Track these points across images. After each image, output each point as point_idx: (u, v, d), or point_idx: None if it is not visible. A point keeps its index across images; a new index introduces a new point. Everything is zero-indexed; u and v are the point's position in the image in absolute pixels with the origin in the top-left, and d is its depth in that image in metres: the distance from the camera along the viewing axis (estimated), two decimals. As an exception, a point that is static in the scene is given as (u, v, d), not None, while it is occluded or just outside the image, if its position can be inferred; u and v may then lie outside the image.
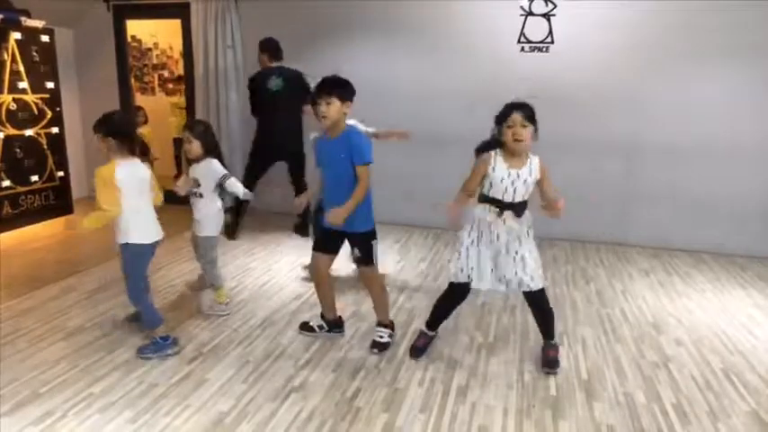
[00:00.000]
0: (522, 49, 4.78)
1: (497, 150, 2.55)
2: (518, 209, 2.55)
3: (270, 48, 4.77)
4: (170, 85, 7.37)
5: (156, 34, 7.18)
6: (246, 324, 3.15)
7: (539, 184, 2.57)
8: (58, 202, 5.24)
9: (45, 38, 4.94)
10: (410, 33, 5.04)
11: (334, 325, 3.02)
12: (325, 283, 2.95)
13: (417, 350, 2.84)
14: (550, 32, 4.69)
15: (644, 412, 2.39)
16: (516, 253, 2.57)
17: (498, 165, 2.52)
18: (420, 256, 4.46)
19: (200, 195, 3.20)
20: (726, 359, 2.88)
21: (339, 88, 2.63)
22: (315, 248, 2.89)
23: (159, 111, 7.03)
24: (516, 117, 2.45)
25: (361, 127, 3.33)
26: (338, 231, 2.74)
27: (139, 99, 6.79)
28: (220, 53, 5.46)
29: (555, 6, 4.64)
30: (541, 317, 2.76)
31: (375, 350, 2.83)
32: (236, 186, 3.25)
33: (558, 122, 4.77)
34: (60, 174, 5.24)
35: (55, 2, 5.31)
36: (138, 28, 6.63)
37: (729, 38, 4.39)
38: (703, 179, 4.64)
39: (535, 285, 2.61)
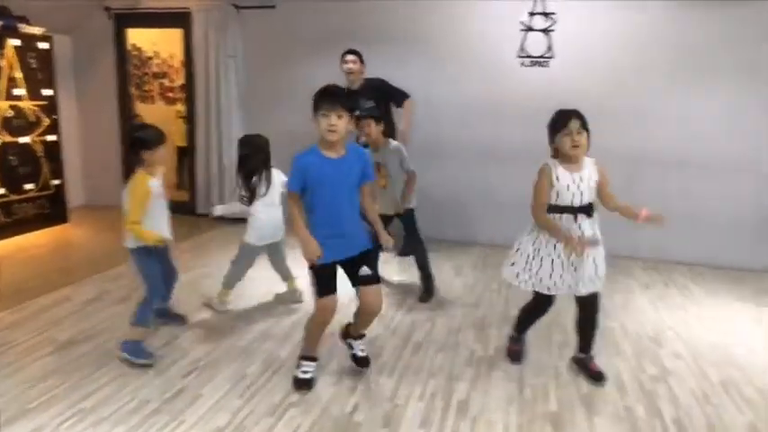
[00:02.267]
0: (522, 63, 4.80)
1: (552, 161, 2.57)
2: (589, 210, 2.56)
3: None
4: (170, 94, 7.36)
5: (157, 43, 7.17)
6: (244, 338, 3.12)
7: (599, 188, 2.57)
8: (52, 210, 5.21)
9: (43, 45, 4.94)
10: (411, 46, 5.06)
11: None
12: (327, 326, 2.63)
13: (517, 354, 2.89)
14: (550, 47, 4.71)
15: (644, 427, 2.37)
16: (594, 257, 2.57)
17: (561, 173, 2.53)
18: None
19: (273, 203, 3.40)
20: (724, 372, 2.87)
21: (347, 101, 2.43)
22: (324, 293, 2.48)
23: (160, 120, 6.99)
24: (574, 124, 2.47)
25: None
26: (336, 262, 2.50)
27: (139, 108, 6.76)
28: (222, 62, 5.46)
29: (554, 22, 4.67)
30: (589, 324, 2.74)
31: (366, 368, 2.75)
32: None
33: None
34: (56, 182, 5.22)
35: (54, 9, 5.31)
36: (138, 36, 6.61)
37: (727, 55, 4.43)
38: (699, 193, 4.65)
39: (600, 285, 2.63)
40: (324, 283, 2.49)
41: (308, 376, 2.61)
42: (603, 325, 3.37)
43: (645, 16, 4.51)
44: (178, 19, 5.63)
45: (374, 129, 3.61)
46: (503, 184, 4.95)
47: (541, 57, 4.77)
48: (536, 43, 4.75)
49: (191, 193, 6.04)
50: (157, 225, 2.79)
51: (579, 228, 2.53)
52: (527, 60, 4.81)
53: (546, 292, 2.65)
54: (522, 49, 4.78)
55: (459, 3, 4.89)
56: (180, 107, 7.17)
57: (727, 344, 3.21)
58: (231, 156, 5.62)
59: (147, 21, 5.89)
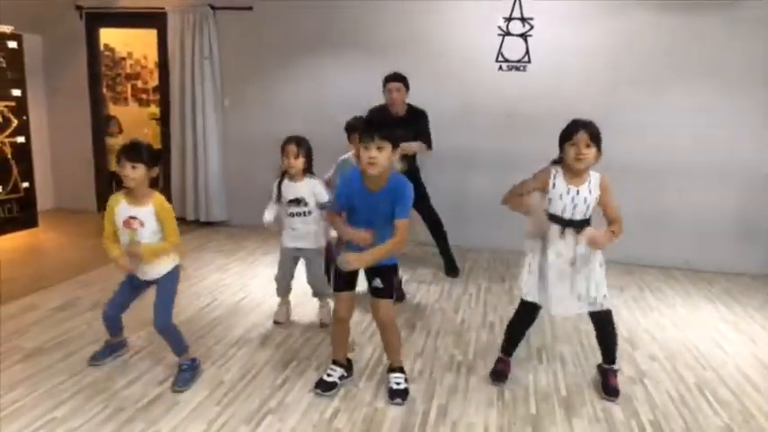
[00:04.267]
0: (500, 68, 4.85)
1: (557, 168, 2.53)
2: (578, 227, 2.48)
3: None
4: (144, 96, 7.24)
5: (130, 43, 7.06)
6: (220, 343, 3.06)
7: (600, 200, 2.51)
8: (22, 214, 5.07)
9: (12, 44, 4.81)
10: (388, 50, 5.04)
11: (348, 367, 2.72)
12: (347, 324, 2.62)
13: (499, 375, 2.74)
14: (527, 52, 4.77)
15: (622, 429, 2.39)
16: (590, 270, 2.52)
17: (558, 181, 2.49)
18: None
19: (309, 213, 3.18)
20: (698, 374, 2.92)
21: (391, 134, 2.31)
22: (337, 289, 2.54)
23: (132, 122, 6.88)
24: (582, 136, 2.42)
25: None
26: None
27: (112, 109, 6.64)
28: (197, 64, 5.38)
29: (531, 27, 4.73)
30: (607, 337, 2.69)
31: (399, 400, 2.49)
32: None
33: (534, 140, 4.85)
34: (25, 185, 5.08)
35: (24, 7, 5.17)
36: (111, 36, 6.50)
37: (700, 63, 4.54)
38: (671, 197, 4.75)
39: (606, 304, 2.56)
40: (337, 279, 2.53)
41: (328, 378, 2.59)
42: (579, 327, 3.43)
43: (619, 23, 4.60)
44: (153, 19, 5.53)
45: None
46: (480, 187, 4.97)
47: (519, 61, 4.82)
48: (514, 48, 4.80)
49: (165, 197, 5.92)
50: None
51: (564, 241, 2.48)
52: (505, 65, 4.86)
53: (530, 299, 2.60)
54: (499, 53, 4.83)
55: (437, 7, 4.91)
56: (153, 109, 7.06)
57: (700, 346, 3.28)
58: (206, 160, 5.55)
59: (120, 20, 5.79)
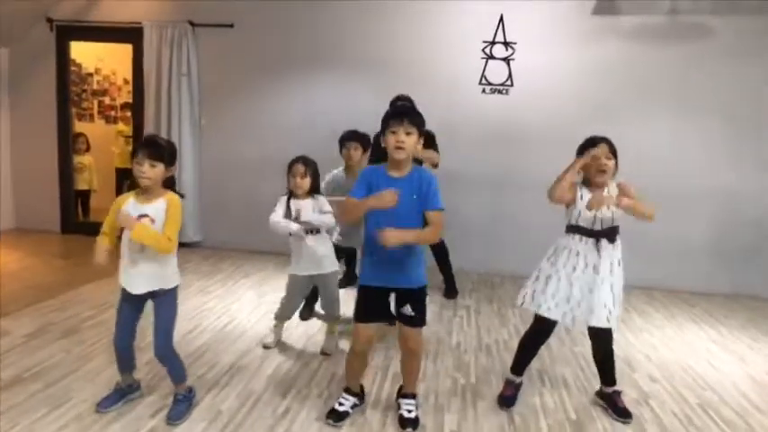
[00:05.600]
0: (483, 90, 4.90)
1: (581, 184, 2.54)
2: (610, 235, 2.50)
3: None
4: (112, 112, 6.97)
5: (103, 59, 6.83)
6: (212, 370, 2.89)
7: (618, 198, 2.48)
8: (-19, 234, 4.73)
9: (-23, 56, 4.54)
10: (371, 70, 5.04)
11: (361, 396, 2.61)
12: (365, 356, 2.52)
13: (508, 399, 2.67)
14: (510, 76, 4.84)
15: (638, 453, 2.36)
16: (615, 280, 2.51)
17: (585, 196, 2.51)
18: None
19: (317, 231, 3.05)
20: (700, 395, 2.94)
21: (420, 119, 2.28)
22: (358, 319, 2.40)
23: (100, 139, 6.61)
24: (603, 149, 2.45)
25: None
26: (385, 289, 2.36)
27: (77, 126, 6.36)
28: (174, 81, 5.22)
29: (514, 51, 4.81)
30: (606, 358, 2.66)
31: (410, 429, 2.39)
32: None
33: (518, 161, 4.91)
34: (-14, 203, 4.76)
35: (-11, 19, 4.92)
36: (78, 51, 6.24)
37: (671, 92, 4.71)
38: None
39: (614, 324, 2.53)
40: (361, 307, 2.40)
41: (340, 408, 2.46)
42: (574, 350, 3.41)
43: (599, 51, 4.73)
44: (128, 34, 5.35)
45: (358, 154, 3.55)
46: (464, 209, 4.96)
47: (502, 84, 4.89)
48: (496, 72, 4.87)
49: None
50: None
51: (599, 254, 2.49)
52: (488, 88, 4.91)
53: (547, 315, 2.53)
54: (483, 76, 4.89)
55: (422, 28, 4.94)
56: (121, 126, 6.81)
57: (694, 365, 3.31)
58: (181, 180, 5.35)
59: (93, 34, 5.57)
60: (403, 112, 2.28)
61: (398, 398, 2.56)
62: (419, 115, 2.29)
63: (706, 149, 4.74)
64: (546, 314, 2.54)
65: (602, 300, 2.48)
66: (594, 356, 2.71)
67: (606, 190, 2.53)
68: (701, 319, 4.20)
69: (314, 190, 3.05)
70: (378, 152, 4.02)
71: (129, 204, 2.30)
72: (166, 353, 2.38)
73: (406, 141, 2.22)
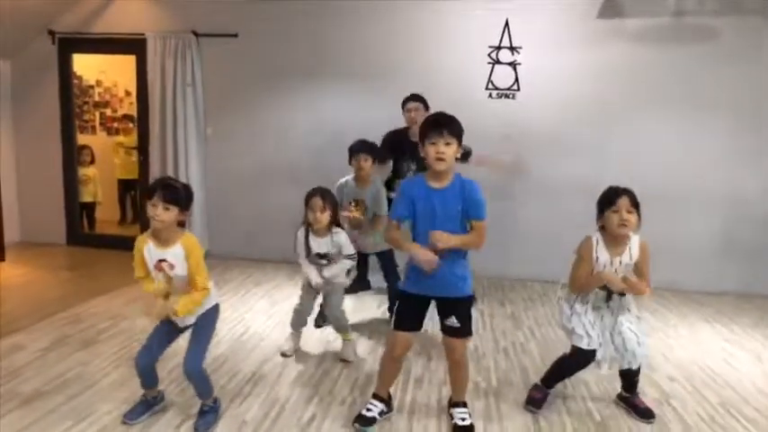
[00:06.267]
0: (490, 95, 4.92)
1: (598, 236, 2.51)
2: (622, 293, 2.52)
3: None
4: (115, 124, 6.95)
5: (106, 71, 6.82)
6: (233, 380, 2.87)
7: (637, 261, 2.51)
8: (-11, 248, 4.70)
9: (-18, 69, 4.53)
10: (377, 77, 5.04)
11: (389, 402, 2.59)
12: (399, 363, 2.51)
13: (537, 402, 2.67)
14: (516, 80, 4.87)
15: (666, 453, 2.36)
16: (628, 329, 2.54)
17: (601, 252, 2.48)
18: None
19: (331, 260, 3.06)
20: (720, 394, 2.95)
21: (459, 128, 2.25)
22: (397, 327, 2.40)
23: (101, 151, 6.59)
24: (623, 202, 2.41)
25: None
26: (426, 297, 2.37)
27: (79, 138, 6.32)
28: (179, 91, 5.21)
29: (520, 55, 4.84)
30: (633, 378, 2.69)
31: None
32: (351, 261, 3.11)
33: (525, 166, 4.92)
34: (-7, 217, 4.73)
35: (-7, 32, 4.91)
36: (79, 63, 6.22)
37: (679, 93, 4.73)
38: (659, 220, 4.85)
39: (636, 364, 2.58)
40: (400, 315, 2.41)
41: (368, 414, 2.45)
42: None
43: (604, 53, 4.76)
44: (131, 45, 5.35)
45: (368, 165, 3.56)
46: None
47: (508, 89, 4.91)
48: (503, 77, 4.90)
49: (142, 231, 5.65)
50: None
51: (608, 308, 2.53)
52: (494, 93, 4.94)
53: (586, 347, 2.52)
54: (489, 81, 4.91)
55: (427, 34, 4.96)
56: (121, 138, 6.80)
57: (711, 365, 3.32)
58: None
59: (95, 46, 5.55)
60: (442, 122, 2.23)
61: (450, 408, 2.55)
62: (458, 124, 2.26)
63: (713, 149, 4.77)
64: (585, 347, 2.53)
65: (631, 344, 2.52)
66: (620, 372, 2.71)
67: (628, 246, 2.50)
68: (714, 318, 4.21)
69: (333, 222, 3.02)
70: (386, 152, 4.05)
71: (150, 248, 2.29)
72: (197, 371, 2.35)
73: (446, 153, 2.20)
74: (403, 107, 4.09)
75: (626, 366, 2.57)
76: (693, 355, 3.45)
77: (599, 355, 2.55)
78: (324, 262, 3.07)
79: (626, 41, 4.74)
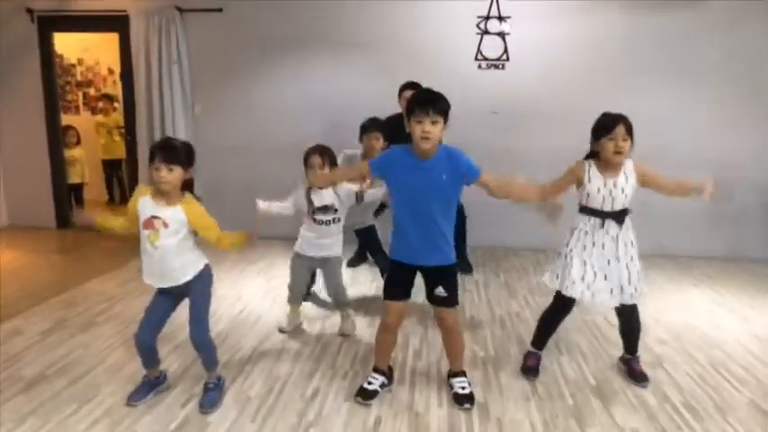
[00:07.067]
0: (480, 66, 4.89)
1: (591, 161, 2.53)
2: (619, 217, 2.51)
3: None
4: (99, 104, 6.83)
5: (88, 48, 6.67)
6: (235, 357, 2.91)
7: (648, 184, 2.54)
8: (-22, 234, 4.65)
9: (-39, 51, 4.41)
10: (365, 49, 4.99)
11: (389, 375, 2.63)
12: (394, 334, 2.53)
13: (532, 370, 2.73)
14: (506, 50, 4.84)
15: (659, 413, 2.44)
16: (631, 259, 2.53)
17: (593, 175, 2.50)
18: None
19: (338, 219, 3.06)
20: (709, 354, 3.04)
21: (446, 105, 2.25)
22: (387, 296, 2.44)
23: (86, 130, 6.50)
24: (620, 129, 2.42)
25: None
26: (412, 267, 2.39)
27: (63, 119, 6.23)
28: (165, 69, 5.12)
29: (508, 25, 4.80)
30: (631, 330, 2.72)
31: (467, 405, 2.42)
32: (373, 192, 3.07)
33: (517, 137, 4.93)
34: (-20, 202, 4.67)
35: (-31, 12, 4.77)
36: (59, 41, 6.07)
37: (670, 60, 4.74)
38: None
39: (639, 298, 2.57)
40: (390, 284, 2.46)
41: (369, 387, 2.49)
42: (585, 319, 3.49)
43: (595, 20, 4.74)
44: (114, 23, 5.23)
45: (379, 144, 3.56)
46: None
47: (498, 59, 4.88)
48: (492, 46, 4.86)
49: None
50: None
51: (606, 233, 2.51)
52: (484, 63, 4.91)
53: (566, 293, 2.56)
54: (478, 52, 4.88)
55: (414, 6, 4.90)
56: (100, 118, 6.70)
57: (699, 326, 3.42)
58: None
59: (77, 25, 5.44)
60: (428, 100, 2.22)
61: (449, 378, 2.60)
62: (445, 101, 2.25)
63: (703, 116, 4.81)
64: (565, 292, 2.58)
65: (621, 280, 2.52)
66: (619, 328, 2.77)
67: (623, 170, 2.52)
68: (702, 282, 4.31)
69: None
70: (390, 134, 4.03)
71: (145, 201, 2.25)
72: (204, 341, 2.39)
73: (432, 131, 2.19)
74: (400, 95, 4.06)
75: (628, 301, 2.56)
76: (683, 318, 3.54)
77: (585, 300, 2.56)
78: (329, 215, 3.03)
79: (617, 9, 4.71)
